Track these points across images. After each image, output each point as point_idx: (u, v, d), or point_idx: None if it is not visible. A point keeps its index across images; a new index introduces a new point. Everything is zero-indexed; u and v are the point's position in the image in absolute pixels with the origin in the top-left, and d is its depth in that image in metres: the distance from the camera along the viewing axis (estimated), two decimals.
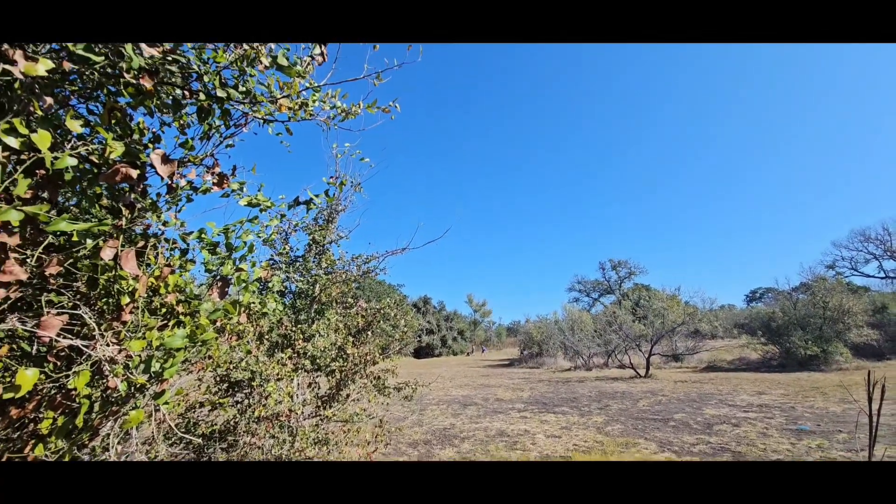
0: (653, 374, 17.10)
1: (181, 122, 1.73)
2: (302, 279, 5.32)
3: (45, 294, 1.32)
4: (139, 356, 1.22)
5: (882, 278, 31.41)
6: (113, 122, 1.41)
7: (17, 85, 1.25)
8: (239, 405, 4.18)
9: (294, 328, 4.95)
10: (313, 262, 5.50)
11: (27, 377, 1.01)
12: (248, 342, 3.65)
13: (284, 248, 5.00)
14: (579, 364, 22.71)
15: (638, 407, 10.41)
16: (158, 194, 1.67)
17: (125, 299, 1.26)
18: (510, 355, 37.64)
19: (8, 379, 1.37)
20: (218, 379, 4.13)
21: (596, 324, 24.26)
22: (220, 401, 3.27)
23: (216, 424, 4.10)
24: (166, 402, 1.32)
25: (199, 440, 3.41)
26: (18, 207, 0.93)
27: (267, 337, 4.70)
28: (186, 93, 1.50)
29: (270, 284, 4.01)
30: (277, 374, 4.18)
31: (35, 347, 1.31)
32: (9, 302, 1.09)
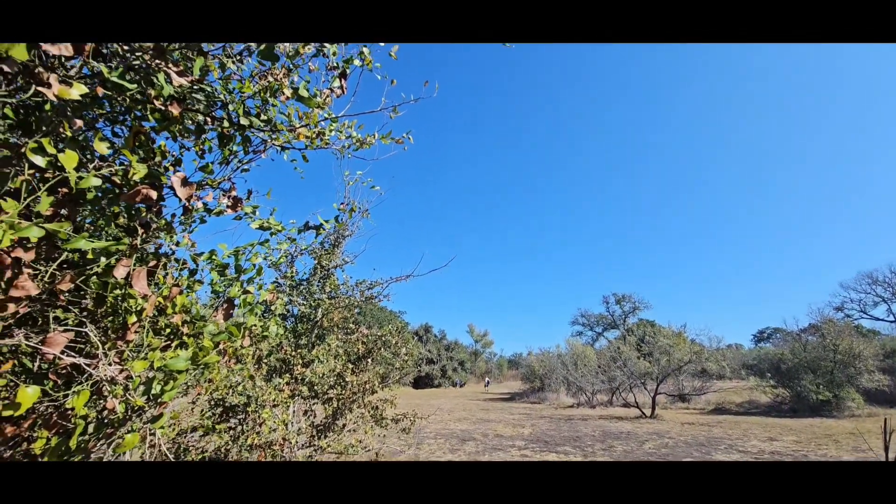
0: (658, 414, 16.52)
1: (201, 147, 1.78)
2: (305, 303, 5.29)
3: (52, 310, 1.32)
4: (140, 377, 1.20)
5: (892, 322, 30.79)
6: (137, 144, 1.45)
7: (47, 107, 1.31)
8: (232, 431, 4.06)
9: (294, 353, 4.88)
10: (317, 286, 5.49)
11: (28, 395, 0.99)
12: (246, 367, 3.59)
13: (290, 272, 5.01)
14: (582, 401, 22.03)
15: (644, 449, 10.00)
16: (173, 215, 1.70)
17: (132, 318, 1.26)
18: (511, 388, 36.69)
19: (5, 395, 1.35)
20: (213, 403, 4.03)
21: (600, 359, 23.70)
22: (218, 426, 3.18)
23: (207, 451, 3.96)
24: (162, 427, 1.28)
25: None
26: (40, 224, 0.95)
27: (265, 361, 4.62)
28: (209, 119, 1.56)
29: (273, 308, 3.99)
30: (273, 401, 4.08)
31: (37, 364, 1.30)
32: (16, 317, 1.09)
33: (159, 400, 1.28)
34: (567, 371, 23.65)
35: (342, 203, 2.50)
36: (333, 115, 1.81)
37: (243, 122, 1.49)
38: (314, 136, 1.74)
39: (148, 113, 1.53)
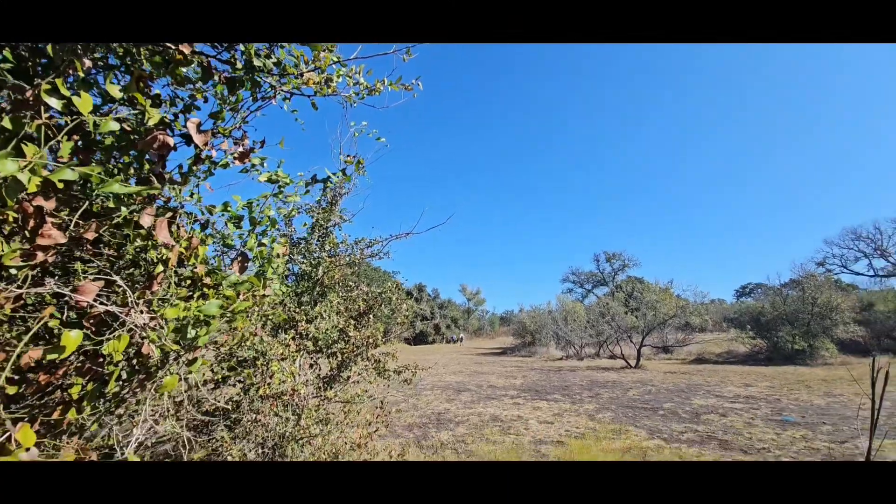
0: (643, 364, 17.44)
1: (201, 94, 1.70)
2: (304, 261, 5.31)
3: (76, 261, 1.33)
4: (174, 323, 1.23)
5: (871, 276, 32.05)
6: (140, 89, 1.39)
7: (49, 47, 1.23)
8: (242, 384, 4.22)
9: (298, 310, 4.97)
10: (316, 244, 5.48)
11: (71, 339, 1.02)
12: (277, 312, 3.67)
13: (290, 230, 4.98)
14: (571, 354, 23.06)
15: (628, 396, 10.65)
16: (180, 166, 1.66)
17: (159, 268, 1.27)
18: (503, 343, 38.11)
19: (24, 344, 1.38)
20: (220, 358, 4.14)
21: (589, 315, 24.57)
22: (241, 368, 3.31)
23: (218, 402, 4.13)
24: (197, 371, 1.34)
25: (206, 417, 3.45)
26: (72, 167, 0.93)
27: (270, 317, 4.71)
28: (214, 62, 1.48)
29: (275, 265, 4.01)
30: (281, 355, 4.21)
31: (65, 313, 1.32)
32: (45, 265, 1.10)
33: (194, 345, 1.32)
34: (557, 326, 24.52)
35: (349, 155, 2.44)
36: (343, 59, 1.73)
37: (256, 63, 1.42)
38: (322, 81, 1.67)
39: (144, 58, 1.45)
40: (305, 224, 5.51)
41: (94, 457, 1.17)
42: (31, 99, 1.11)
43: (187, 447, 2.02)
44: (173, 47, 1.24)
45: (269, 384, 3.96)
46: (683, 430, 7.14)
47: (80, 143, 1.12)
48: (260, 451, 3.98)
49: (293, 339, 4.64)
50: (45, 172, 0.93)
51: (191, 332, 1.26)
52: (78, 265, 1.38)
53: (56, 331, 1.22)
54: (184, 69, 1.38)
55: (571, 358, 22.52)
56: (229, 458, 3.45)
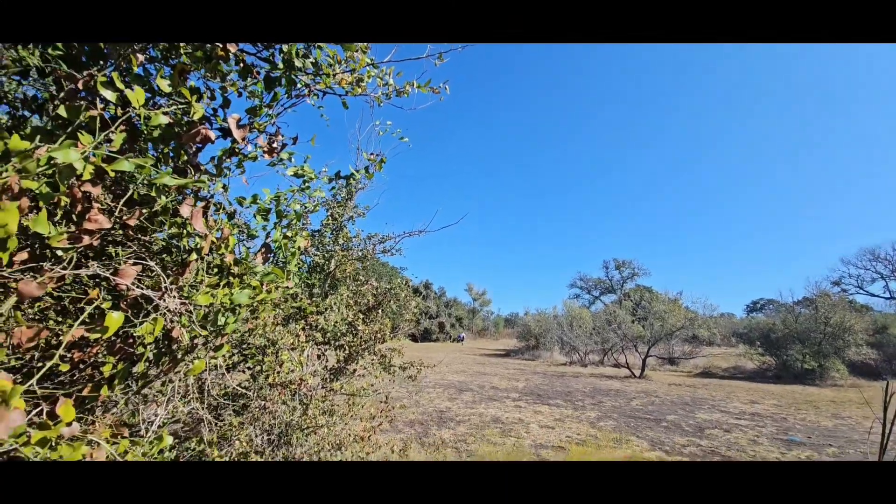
0: (647, 374, 17.30)
1: (235, 87, 1.76)
2: (318, 254, 5.39)
3: (110, 245, 1.39)
4: (205, 309, 1.28)
5: (888, 299, 31.33)
6: (180, 84, 1.44)
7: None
8: (251, 371, 4.30)
9: (309, 301, 5.05)
10: (329, 237, 5.56)
11: (114, 320, 1.07)
12: (302, 300, 3.74)
13: (305, 223, 5.06)
14: (575, 360, 22.96)
15: (631, 405, 10.58)
16: (212, 158, 1.72)
17: (193, 256, 1.32)
18: (507, 346, 38.06)
19: (64, 323, 1.44)
20: (234, 343, 4.23)
21: (595, 321, 24.44)
22: (254, 355, 3.38)
23: (228, 387, 4.22)
24: (223, 355, 1.39)
25: (217, 400, 3.53)
26: (129, 158, 0.98)
27: (281, 308, 4.79)
28: (252, 59, 1.53)
29: (296, 258, 4.07)
30: (291, 344, 4.28)
31: (101, 294, 1.38)
32: (91, 248, 1.15)
33: (222, 331, 1.38)
34: (562, 331, 24.42)
35: (372, 153, 2.48)
36: (375, 61, 1.78)
37: (297, 63, 1.47)
38: (354, 81, 1.72)
39: (184, 52, 1.50)
40: (326, 221, 5.58)
41: (126, 433, 1.23)
42: (81, 87, 1.16)
43: (207, 428, 2.09)
44: (220, 45, 1.29)
45: (278, 372, 4.04)
46: (686, 444, 7.09)
47: (128, 133, 1.18)
48: (266, 437, 4.06)
49: (303, 329, 4.72)
50: (99, 161, 0.98)
51: (220, 320, 1.32)
52: (111, 249, 1.44)
53: (94, 310, 1.28)
54: (223, 65, 1.43)
55: (575, 364, 22.42)
56: (237, 443, 3.54)
